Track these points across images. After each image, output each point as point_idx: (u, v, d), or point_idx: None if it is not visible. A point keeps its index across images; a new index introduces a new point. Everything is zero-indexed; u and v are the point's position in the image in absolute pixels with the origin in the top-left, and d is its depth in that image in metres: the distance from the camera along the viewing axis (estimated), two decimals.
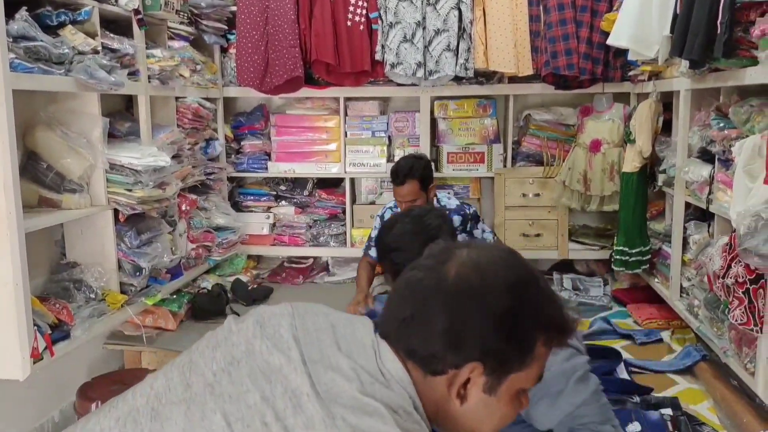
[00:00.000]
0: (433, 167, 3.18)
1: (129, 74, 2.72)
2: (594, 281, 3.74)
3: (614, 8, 3.48)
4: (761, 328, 2.07)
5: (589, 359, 1.64)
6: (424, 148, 3.89)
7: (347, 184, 4.03)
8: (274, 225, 4.13)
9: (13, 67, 2.04)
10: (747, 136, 2.23)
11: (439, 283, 0.92)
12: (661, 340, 3.11)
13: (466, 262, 0.93)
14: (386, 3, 3.75)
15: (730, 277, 2.15)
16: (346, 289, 3.57)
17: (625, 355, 2.89)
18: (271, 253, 4.22)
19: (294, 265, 4.18)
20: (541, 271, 1.18)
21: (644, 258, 3.44)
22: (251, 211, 4.13)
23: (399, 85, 3.90)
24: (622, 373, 2.70)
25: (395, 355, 0.92)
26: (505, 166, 3.97)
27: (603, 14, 3.62)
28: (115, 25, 2.76)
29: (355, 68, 3.83)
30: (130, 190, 2.64)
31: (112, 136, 2.79)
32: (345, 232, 4.06)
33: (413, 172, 2.93)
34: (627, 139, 3.49)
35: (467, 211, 3.06)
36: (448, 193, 3.60)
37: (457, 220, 3.01)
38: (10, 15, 2.05)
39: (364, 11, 3.79)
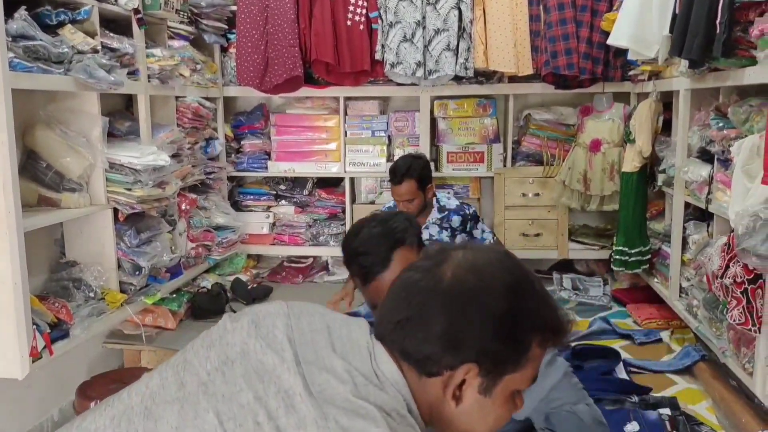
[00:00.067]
0: (431, 167, 3.17)
1: (129, 73, 2.72)
2: (594, 281, 3.75)
3: (614, 8, 3.49)
4: (759, 328, 2.07)
5: None
6: (424, 148, 3.89)
7: (347, 184, 4.04)
8: (273, 224, 4.13)
9: (13, 67, 2.04)
10: (746, 136, 2.23)
11: (436, 284, 0.92)
12: (660, 340, 3.11)
13: (462, 264, 0.93)
14: (386, 2, 3.75)
15: (729, 277, 2.15)
16: None
17: (624, 355, 2.89)
18: (270, 253, 4.23)
19: (294, 265, 4.19)
20: (536, 273, 1.18)
21: (644, 258, 3.44)
22: (251, 211, 4.13)
23: (399, 84, 3.91)
24: (621, 373, 2.70)
25: (390, 357, 0.92)
26: (504, 165, 3.97)
27: (603, 14, 3.63)
28: (115, 24, 2.76)
29: (354, 68, 3.83)
30: (129, 190, 2.64)
31: (111, 135, 2.79)
32: (344, 232, 4.05)
33: (411, 171, 2.93)
34: (627, 138, 3.49)
35: (467, 211, 3.06)
36: (448, 193, 3.60)
37: (456, 220, 3.01)
38: (9, 14, 2.05)
39: (364, 11, 3.79)
